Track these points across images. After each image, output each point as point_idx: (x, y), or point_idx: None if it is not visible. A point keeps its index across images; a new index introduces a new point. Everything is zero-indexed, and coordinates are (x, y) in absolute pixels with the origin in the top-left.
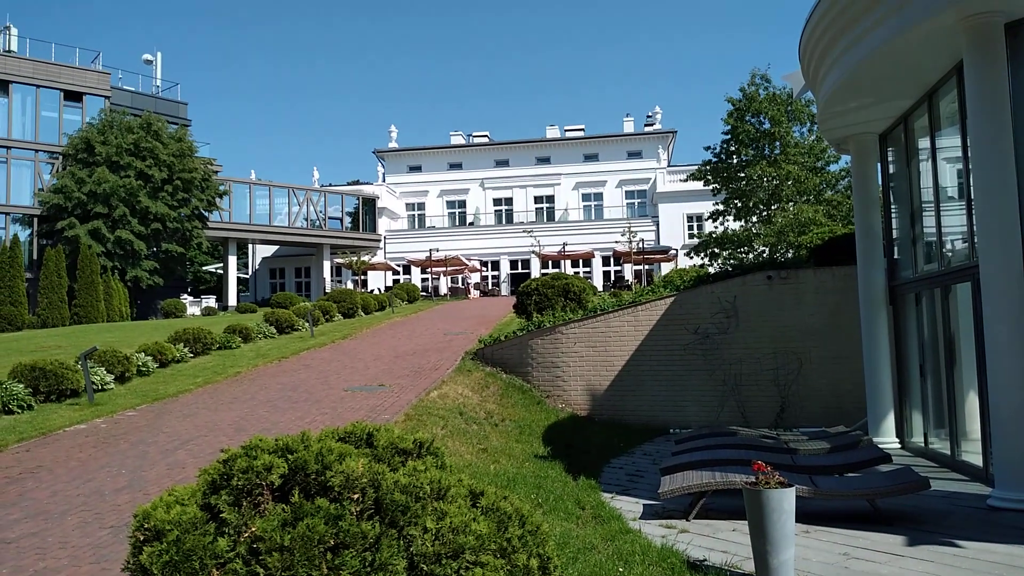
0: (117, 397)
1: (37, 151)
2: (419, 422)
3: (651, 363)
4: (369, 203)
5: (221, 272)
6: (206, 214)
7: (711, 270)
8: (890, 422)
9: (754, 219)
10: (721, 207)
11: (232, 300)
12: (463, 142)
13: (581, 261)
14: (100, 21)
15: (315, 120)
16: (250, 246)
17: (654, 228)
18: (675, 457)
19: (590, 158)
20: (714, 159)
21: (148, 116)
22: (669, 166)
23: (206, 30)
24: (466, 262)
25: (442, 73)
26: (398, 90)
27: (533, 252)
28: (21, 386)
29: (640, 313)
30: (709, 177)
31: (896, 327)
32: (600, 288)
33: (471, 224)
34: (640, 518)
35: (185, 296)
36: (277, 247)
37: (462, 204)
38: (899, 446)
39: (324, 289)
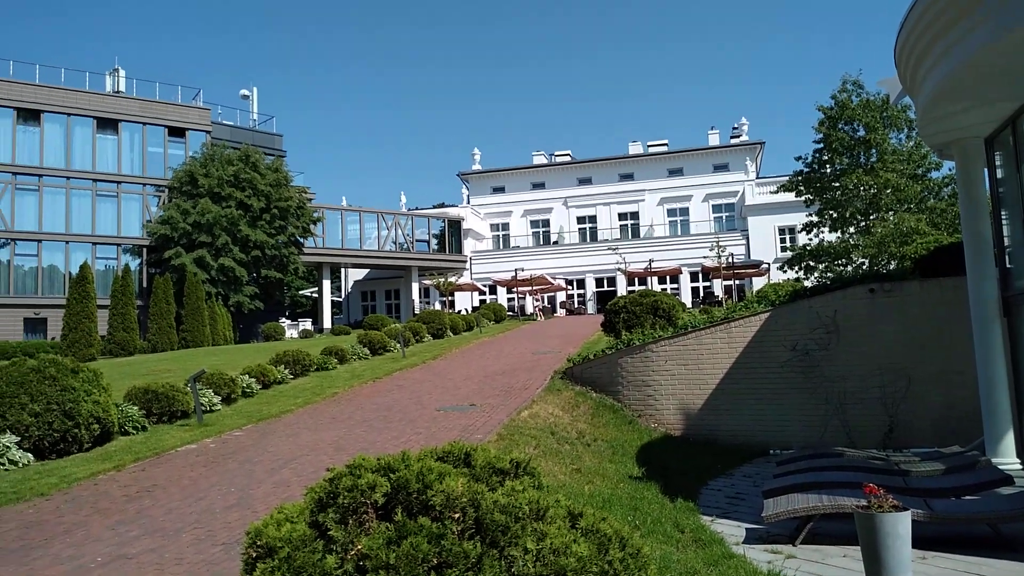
0: (224, 418)
1: (145, 185)
2: (511, 442)
3: (747, 381)
4: (455, 225)
5: (316, 296)
6: (301, 240)
7: (807, 284)
8: (1009, 441)
9: (851, 230)
10: (815, 218)
11: (327, 323)
12: (545, 162)
13: (668, 277)
14: (199, 60)
15: (402, 146)
16: (343, 270)
17: (744, 242)
18: (778, 479)
19: (675, 173)
20: (806, 169)
21: (246, 149)
22: (758, 178)
23: (298, 65)
24: (551, 281)
25: (523, 94)
26: (481, 113)
27: (619, 269)
28: (136, 408)
29: (734, 329)
30: (801, 188)
31: (1012, 340)
32: (689, 305)
33: (555, 243)
34: (743, 542)
35: (283, 320)
36: (368, 270)
37: (546, 223)
38: (1021, 467)
39: (413, 310)
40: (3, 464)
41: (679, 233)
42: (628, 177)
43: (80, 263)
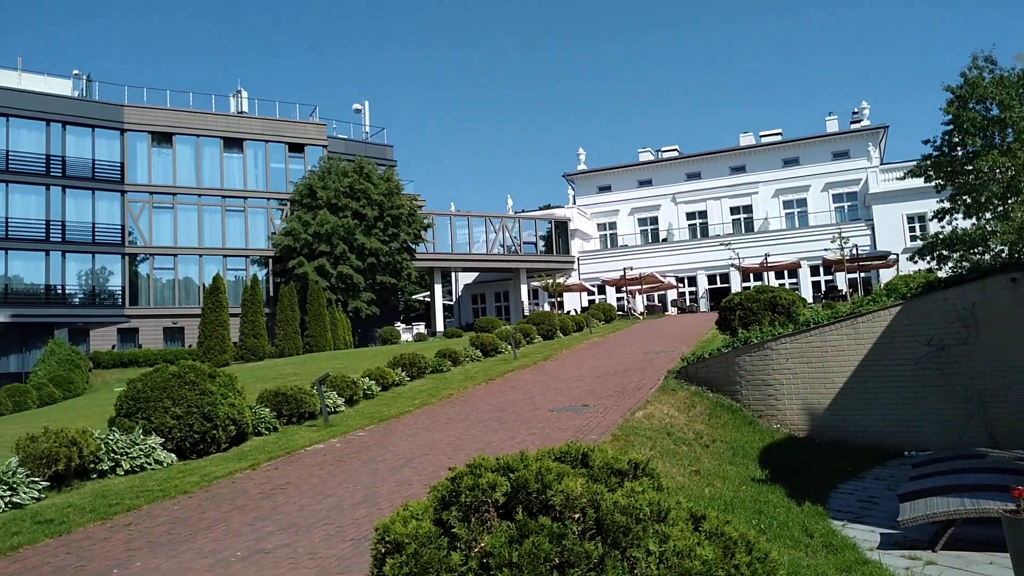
0: (348, 418)
1: (268, 199)
2: (627, 443)
3: (877, 379)
4: (561, 226)
5: (428, 300)
6: (413, 246)
7: (940, 274)
8: None
9: (987, 215)
10: (947, 204)
11: (440, 326)
12: (652, 158)
13: (786, 272)
14: (315, 77)
15: (507, 150)
16: (453, 274)
17: (868, 232)
18: (914, 482)
19: (790, 163)
20: (935, 153)
21: (360, 160)
22: (882, 164)
23: (407, 77)
24: (661, 279)
25: (627, 91)
26: (584, 113)
27: (732, 265)
28: (267, 410)
29: (861, 325)
30: (931, 173)
31: None
32: (810, 300)
33: (664, 240)
34: (877, 548)
35: (398, 323)
36: (477, 274)
37: (654, 221)
38: None
39: (522, 312)
40: (150, 464)
41: (796, 225)
42: (740, 170)
43: (213, 275)
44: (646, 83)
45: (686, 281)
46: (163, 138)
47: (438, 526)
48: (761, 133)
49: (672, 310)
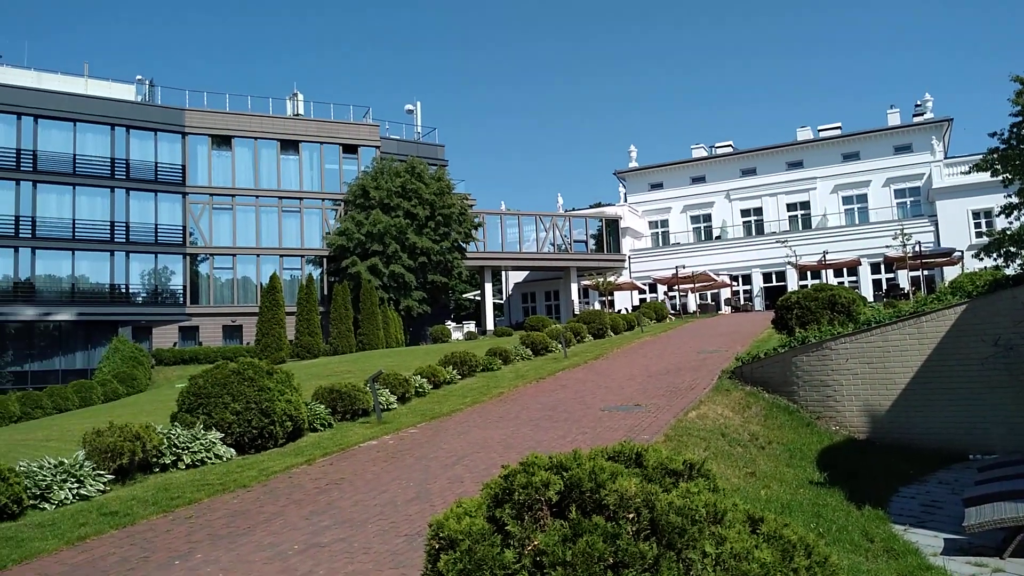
0: (400, 416)
1: (323, 199)
2: (680, 443)
3: (941, 380)
4: (612, 224)
5: (479, 298)
6: (464, 245)
7: (1008, 272)
8: None
9: None
10: (1015, 199)
11: (490, 324)
12: (705, 154)
13: (845, 270)
14: (369, 78)
15: (557, 149)
16: (503, 273)
17: (932, 228)
18: (981, 486)
19: (849, 157)
20: (1002, 146)
21: (412, 160)
22: (946, 158)
23: (457, 76)
24: (715, 277)
25: (680, 87)
26: (636, 109)
27: (789, 263)
28: (322, 407)
29: (924, 325)
30: (997, 167)
31: None
32: (870, 299)
33: (718, 238)
34: (941, 553)
35: (449, 322)
36: (527, 272)
37: (707, 218)
38: None
39: (573, 311)
40: (210, 458)
41: (856, 222)
42: (797, 165)
43: (269, 274)
44: (700, 79)
45: (740, 279)
46: (222, 141)
47: (491, 523)
48: (820, 127)
49: (726, 309)
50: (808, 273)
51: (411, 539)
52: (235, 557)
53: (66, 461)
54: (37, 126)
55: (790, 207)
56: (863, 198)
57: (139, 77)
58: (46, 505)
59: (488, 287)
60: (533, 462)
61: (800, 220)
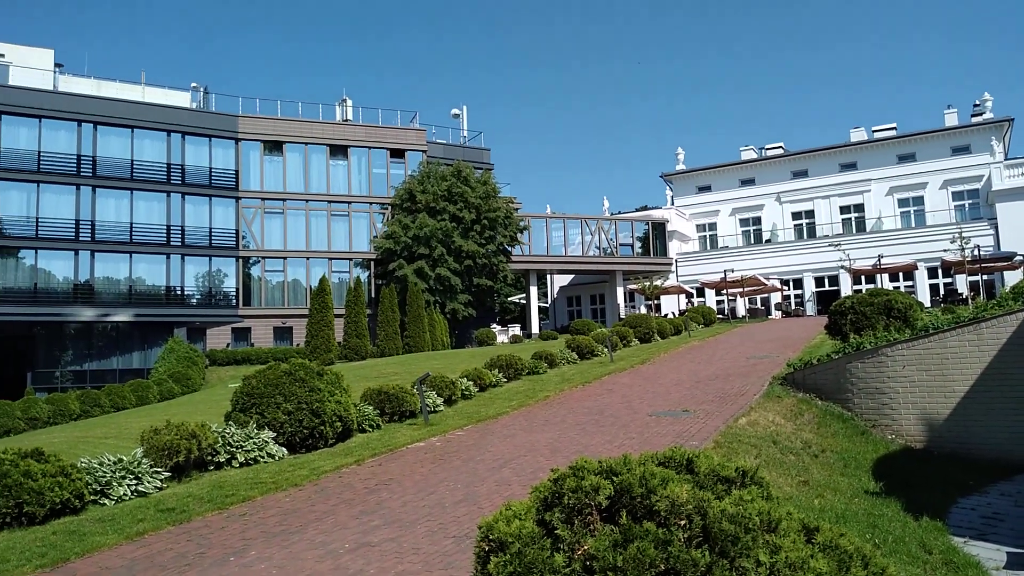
0: (447, 418)
1: (371, 203)
2: (730, 450)
3: (1003, 388)
4: (659, 227)
5: (524, 302)
6: (509, 249)
7: None
8: None
9: None
10: None
11: (535, 328)
12: (755, 156)
13: (901, 274)
14: (415, 83)
15: (603, 151)
16: (548, 276)
17: (991, 232)
18: None
19: (905, 159)
20: None
21: (458, 164)
22: (1007, 159)
23: (503, 80)
24: (764, 282)
25: (728, 88)
26: (683, 112)
27: (842, 267)
28: (371, 408)
29: (985, 331)
30: None
31: None
32: (927, 304)
33: (767, 241)
34: (1004, 567)
35: (494, 325)
36: (572, 276)
37: (756, 221)
38: None
39: (618, 315)
40: (262, 457)
41: (912, 225)
42: (850, 167)
43: (319, 277)
44: (748, 79)
45: (791, 284)
46: (274, 146)
47: (541, 527)
48: (874, 128)
49: (776, 314)
50: (862, 277)
51: (459, 540)
52: (288, 554)
53: (125, 458)
54: (96, 133)
55: (843, 210)
56: (919, 200)
57: (194, 84)
58: (106, 501)
59: (533, 290)
60: (582, 466)
61: (854, 223)
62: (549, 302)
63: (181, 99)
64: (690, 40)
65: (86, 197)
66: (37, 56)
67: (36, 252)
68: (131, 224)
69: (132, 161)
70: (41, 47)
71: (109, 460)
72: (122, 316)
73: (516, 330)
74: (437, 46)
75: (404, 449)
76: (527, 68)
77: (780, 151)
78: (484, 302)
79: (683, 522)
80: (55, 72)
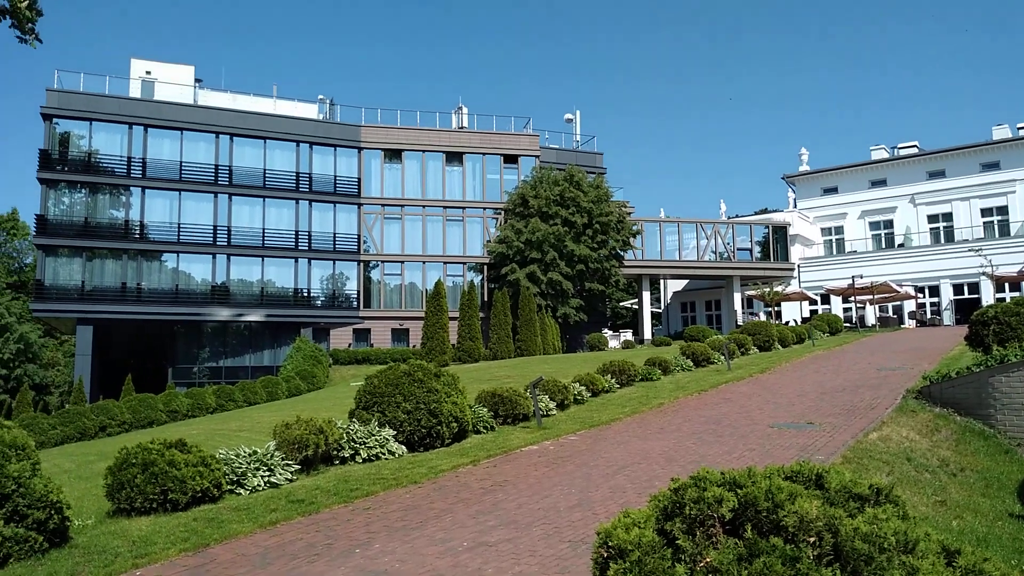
0: (559, 422)
1: (484, 209)
2: (860, 465)
3: None
4: (779, 231)
5: (636, 307)
6: (621, 253)
7: None
8: None
9: None
10: None
11: (647, 334)
12: (887, 156)
13: None
14: (526, 88)
15: (721, 153)
16: (661, 281)
17: None
18: None
19: None
20: None
21: (570, 169)
22: None
23: (617, 83)
24: (897, 288)
25: (856, 85)
26: (806, 110)
27: (984, 274)
28: (485, 410)
29: None
30: None
31: None
32: None
33: (900, 246)
34: None
35: (605, 330)
36: (687, 281)
37: (888, 224)
38: None
39: (735, 322)
40: (383, 454)
41: None
42: (993, 166)
43: (434, 280)
44: (879, 76)
45: (926, 291)
46: (394, 154)
47: (661, 536)
48: (1019, 125)
49: (909, 323)
50: (1006, 285)
51: (575, 545)
52: (410, 549)
53: (259, 451)
54: (232, 144)
55: (985, 212)
56: None
57: (321, 96)
58: (241, 491)
59: (646, 295)
60: (705, 477)
61: (997, 226)
62: (662, 308)
63: (309, 111)
64: (808, 36)
65: (223, 204)
66: (179, 72)
67: (178, 256)
68: (263, 230)
69: (264, 170)
70: (183, 63)
71: (244, 452)
72: (254, 316)
73: (628, 335)
74: (555, 51)
75: (518, 452)
76: (644, 72)
77: (915, 151)
78: (595, 307)
79: (812, 539)
80: (195, 87)
